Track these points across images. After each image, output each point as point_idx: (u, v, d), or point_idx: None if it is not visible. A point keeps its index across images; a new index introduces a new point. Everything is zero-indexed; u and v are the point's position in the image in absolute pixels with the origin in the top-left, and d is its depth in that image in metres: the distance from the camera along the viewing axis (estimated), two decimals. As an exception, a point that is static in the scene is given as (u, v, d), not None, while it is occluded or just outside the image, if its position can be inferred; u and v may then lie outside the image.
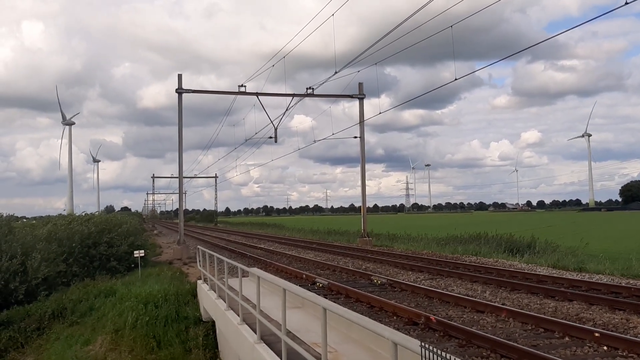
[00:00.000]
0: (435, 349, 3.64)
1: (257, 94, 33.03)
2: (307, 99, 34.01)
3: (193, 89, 33.43)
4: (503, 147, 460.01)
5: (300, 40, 25.54)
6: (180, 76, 32.26)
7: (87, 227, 26.65)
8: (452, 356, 3.51)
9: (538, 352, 8.15)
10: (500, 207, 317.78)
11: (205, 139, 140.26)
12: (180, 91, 32.04)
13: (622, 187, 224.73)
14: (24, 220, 45.40)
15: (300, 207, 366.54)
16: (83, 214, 34.34)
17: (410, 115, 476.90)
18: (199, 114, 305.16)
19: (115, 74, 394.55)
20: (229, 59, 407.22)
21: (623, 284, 14.95)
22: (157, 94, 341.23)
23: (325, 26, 22.80)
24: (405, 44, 20.24)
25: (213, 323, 14.74)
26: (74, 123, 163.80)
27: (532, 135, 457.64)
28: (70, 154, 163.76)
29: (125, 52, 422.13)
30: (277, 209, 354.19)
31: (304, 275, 18.70)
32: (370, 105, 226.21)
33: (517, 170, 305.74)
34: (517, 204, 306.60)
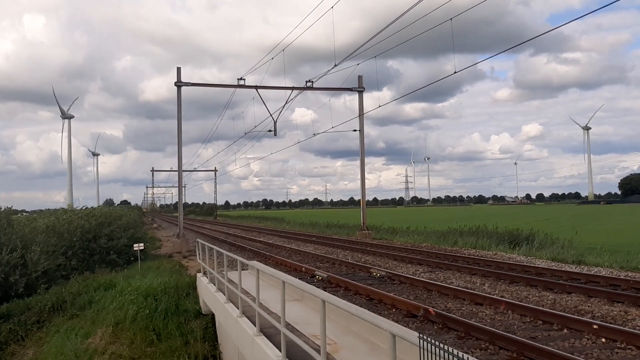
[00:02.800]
0: (433, 340, 3.64)
1: (256, 87, 32.97)
2: (308, 92, 34.01)
3: (195, 82, 33.46)
4: (503, 140, 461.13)
5: (300, 33, 25.40)
6: (179, 69, 32.19)
7: (88, 221, 26.63)
8: (449, 347, 3.52)
9: (537, 344, 8.17)
10: (499, 200, 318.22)
11: (206, 133, 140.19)
12: (179, 84, 31.98)
13: (621, 180, 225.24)
14: (24, 213, 45.41)
15: (300, 200, 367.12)
16: (83, 207, 34.33)
17: (412, 108, 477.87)
18: (200, 107, 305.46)
19: (116, 67, 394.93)
20: (231, 52, 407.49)
21: (622, 277, 14.98)
22: (159, 87, 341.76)
23: (329, 19, 22.62)
24: (406, 37, 20.17)
25: (213, 316, 14.78)
26: (72, 116, 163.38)
27: (533, 129, 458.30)
28: (69, 148, 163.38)
29: (127, 45, 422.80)
30: (277, 203, 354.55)
31: (304, 268, 18.73)
32: (372, 98, 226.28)
33: (516, 164, 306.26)
34: (517, 197, 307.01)
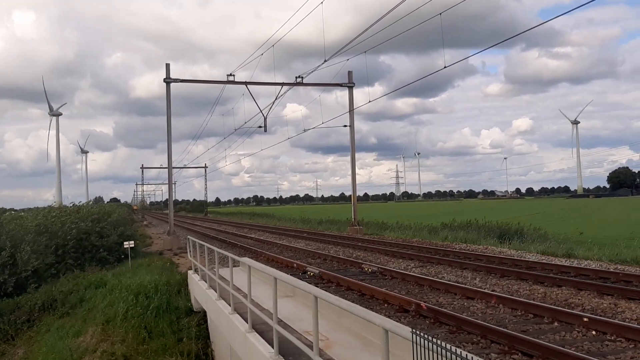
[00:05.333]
0: (425, 335, 3.65)
1: (246, 83, 32.81)
2: (300, 87, 33.92)
3: (187, 78, 33.32)
4: (494, 135, 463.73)
5: (290, 29, 25.19)
6: (167, 65, 31.98)
7: (85, 222, 26.44)
8: (442, 342, 3.53)
9: (528, 337, 8.21)
10: (489, 194, 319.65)
11: (197, 129, 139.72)
12: (168, 81, 31.77)
13: (610, 173, 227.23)
14: (13, 212, 44.99)
15: (291, 196, 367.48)
16: (71, 204, 34.13)
17: (404, 103, 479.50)
18: (192, 104, 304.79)
19: (107, 64, 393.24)
20: (223, 47, 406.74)
21: (611, 269, 15.09)
22: (150, 83, 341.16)
23: (322, 14, 22.42)
24: (396, 32, 20.11)
25: (204, 313, 14.74)
26: (61, 114, 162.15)
27: (524, 123, 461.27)
28: (57, 146, 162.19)
29: (118, 41, 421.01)
30: (268, 199, 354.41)
31: (295, 265, 18.71)
32: (363, 93, 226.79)
33: (506, 158, 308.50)
34: (506, 191, 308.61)
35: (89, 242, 25.66)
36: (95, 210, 30.93)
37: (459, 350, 3.38)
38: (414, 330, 3.79)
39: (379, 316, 4.64)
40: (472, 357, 3.32)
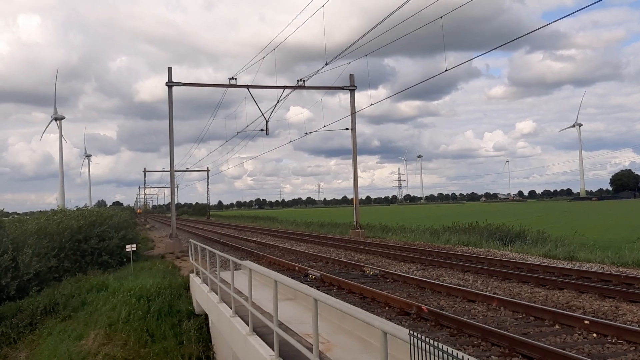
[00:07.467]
0: (423, 337, 3.66)
1: (247, 87, 32.88)
2: (303, 90, 34.00)
3: (191, 82, 33.44)
4: (497, 138, 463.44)
5: (292, 32, 25.25)
6: (170, 69, 32.07)
7: (77, 221, 26.49)
8: (439, 343, 3.54)
9: (528, 340, 8.21)
10: (491, 197, 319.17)
11: (201, 132, 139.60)
12: (170, 84, 31.85)
13: (612, 176, 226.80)
14: (16, 215, 45.15)
15: (293, 199, 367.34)
16: (75, 208, 34.21)
17: (407, 106, 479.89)
18: (196, 107, 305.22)
19: (111, 67, 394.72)
20: (227, 51, 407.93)
21: (613, 272, 15.07)
22: (154, 87, 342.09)
23: (325, 17, 22.39)
24: (399, 35, 20.13)
25: (206, 316, 14.76)
26: (63, 117, 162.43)
27: (527, 126, 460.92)
28: (60, 149, 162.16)
29: (123, 45, 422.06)
30: (270, 202, 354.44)
31: (297, 268, 18.72)
32: (367, 96, 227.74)
33: (508, 161, 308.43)
34: (509, 194, 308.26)
35: (88, 245, 25.69)
36: (94, 212, 30.95)
37: (455, 352, 3.40)
38: (411, 332, 3.81)
39: (378, 318, 4.65)
40: (467, 359, 3.34)
